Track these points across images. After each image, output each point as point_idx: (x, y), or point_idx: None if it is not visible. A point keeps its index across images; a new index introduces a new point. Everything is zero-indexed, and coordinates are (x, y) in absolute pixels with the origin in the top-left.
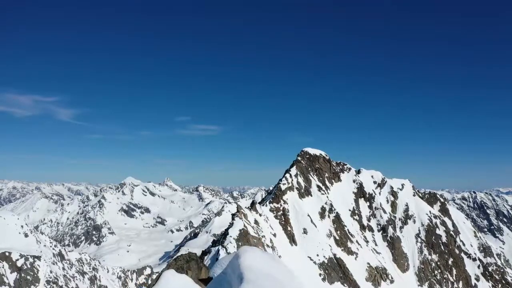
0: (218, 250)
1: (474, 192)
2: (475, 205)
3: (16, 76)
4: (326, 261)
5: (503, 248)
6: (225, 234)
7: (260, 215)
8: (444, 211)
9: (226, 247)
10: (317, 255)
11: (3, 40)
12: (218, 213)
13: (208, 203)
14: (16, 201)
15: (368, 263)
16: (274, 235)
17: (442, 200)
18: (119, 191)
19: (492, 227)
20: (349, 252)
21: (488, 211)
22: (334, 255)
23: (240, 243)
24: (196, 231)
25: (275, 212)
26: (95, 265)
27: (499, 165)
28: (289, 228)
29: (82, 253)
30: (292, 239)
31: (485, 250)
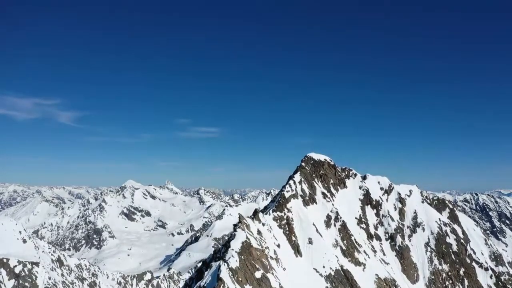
0: (220, 266)
1: (476, 194)
2: (477, 207)
3: (16, 79)
4: (333, 273)
5: (506, 251)
6: (226, 246)
7: (263, 224)
8: (454, 217)
9: (228, 262)
10: (323, 266)
11: (4, 43)
12: (219, 217)
13: (209, 206)
14: (17, 205)
15: (377, 275)
16: (278, 245)
17: (451, 206)
18: (119, 195)
19: (495, 229)
20: (357, 263)
21: (490, 213)
22: (341, 266)
23: (242, 257)
24: (197, 234)
25: (278, 221)
26: (94, 270)
27: (500, 166)
28: (293, 238)
29: (82, 258)
30: (297, 250)
31: (497, 258)
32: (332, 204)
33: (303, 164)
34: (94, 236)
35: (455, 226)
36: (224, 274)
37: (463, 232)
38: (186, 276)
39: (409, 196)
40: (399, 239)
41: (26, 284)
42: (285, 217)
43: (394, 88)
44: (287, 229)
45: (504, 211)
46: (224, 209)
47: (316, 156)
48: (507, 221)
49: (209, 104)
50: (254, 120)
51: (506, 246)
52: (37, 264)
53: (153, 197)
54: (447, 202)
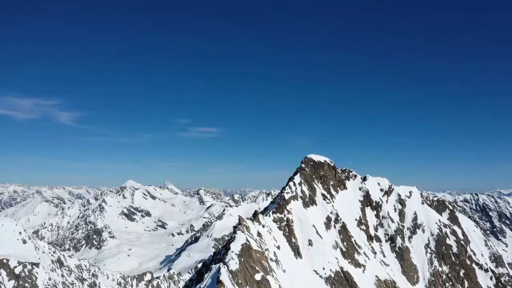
0: (219, 269)
1: (476, 194)
2: (477, 207)
3: (16, 79)
4: (332, 275)
5: (506, 251)
6: (226, 248)
7: (263, 226)
8: (454, 219)
9: (228, 264)
10: (323, 268)
11: (4, 43)
12: (219, 217)
13: (209, 207)
14: (17, 205)
15: (377, 276)
16: (278, 247)
17: (451, 207)
18: (119, 195)
19: (495, 229)
20: (357, 264)
21: (490, 213)
22: (341, 268)
23: (242, 259)
24: (197, 235)
25: (278, 222)
26: (94, 271)
27: (500, 166)
28: (293, 240)
29: (82, 259)
30: (297, 252)
31: (497, 259)
32: (332, 206)
33: (303, 165)
34: (94, 236)
35: (455, 228)
36: (224, 276)
37: (463, 234)
38: (186, 276)
39: (409, 197)
40: (399, 240)
41: (26, 285)
42: (285, 218)
43: (394, 88)
44: (287, 230)
45: (504, 211)
46: (224, 209)
47: (316, 157)
48: (507, 221)
49: (209, 104)
50: (254, 120)
51: (506, 246)
52: (37, 264)
53: (153, 197)
54: (447, 203)
